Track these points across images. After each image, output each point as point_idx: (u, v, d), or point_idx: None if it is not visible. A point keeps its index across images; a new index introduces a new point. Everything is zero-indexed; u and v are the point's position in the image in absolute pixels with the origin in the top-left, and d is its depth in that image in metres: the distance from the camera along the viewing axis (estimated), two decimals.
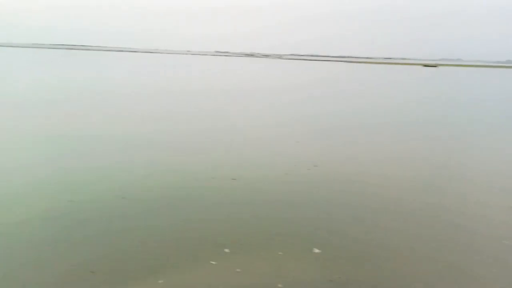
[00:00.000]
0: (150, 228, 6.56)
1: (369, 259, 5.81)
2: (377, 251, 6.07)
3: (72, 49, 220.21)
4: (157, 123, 15.54)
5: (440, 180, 9.70)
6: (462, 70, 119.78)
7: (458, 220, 7.34)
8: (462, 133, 16.38)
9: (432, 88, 43.38)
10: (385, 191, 8.74)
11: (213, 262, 5.58)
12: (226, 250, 5.91)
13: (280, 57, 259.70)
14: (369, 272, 5.48)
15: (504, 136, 16.32)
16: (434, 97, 32.19)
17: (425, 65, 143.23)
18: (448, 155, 12.36)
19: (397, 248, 6.19)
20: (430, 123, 18.44)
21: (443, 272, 5.56)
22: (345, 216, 7.31)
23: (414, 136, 15.11)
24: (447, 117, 21.11)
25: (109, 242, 6.05)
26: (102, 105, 20.07)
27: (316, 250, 5.99)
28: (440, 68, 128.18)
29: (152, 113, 18.17)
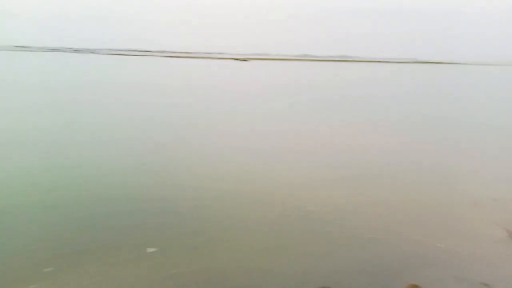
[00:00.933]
0: None
1: (204, 251, 6.01)
2: (210, 242, 6.32)
3: None
4: None
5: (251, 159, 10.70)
6: (268, 62, 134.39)
7: (274, 203, 8.24)
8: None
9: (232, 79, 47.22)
10: (216, 185, 9.15)
11: (33, 286, 4.88)
12: (47, 270, 5.24)
13: (93, 52, 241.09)
14: (204, 263, 5.67)
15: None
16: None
17: (238, 59, 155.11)
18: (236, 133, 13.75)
19: (233, 237, 6.59)
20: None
21: (267, 252, 6.21)
22: (175, 212, 7.36)
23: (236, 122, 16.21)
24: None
25: None
26: None
27: (151, 249, 5.88)
28: (250, 61, 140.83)
29: None
